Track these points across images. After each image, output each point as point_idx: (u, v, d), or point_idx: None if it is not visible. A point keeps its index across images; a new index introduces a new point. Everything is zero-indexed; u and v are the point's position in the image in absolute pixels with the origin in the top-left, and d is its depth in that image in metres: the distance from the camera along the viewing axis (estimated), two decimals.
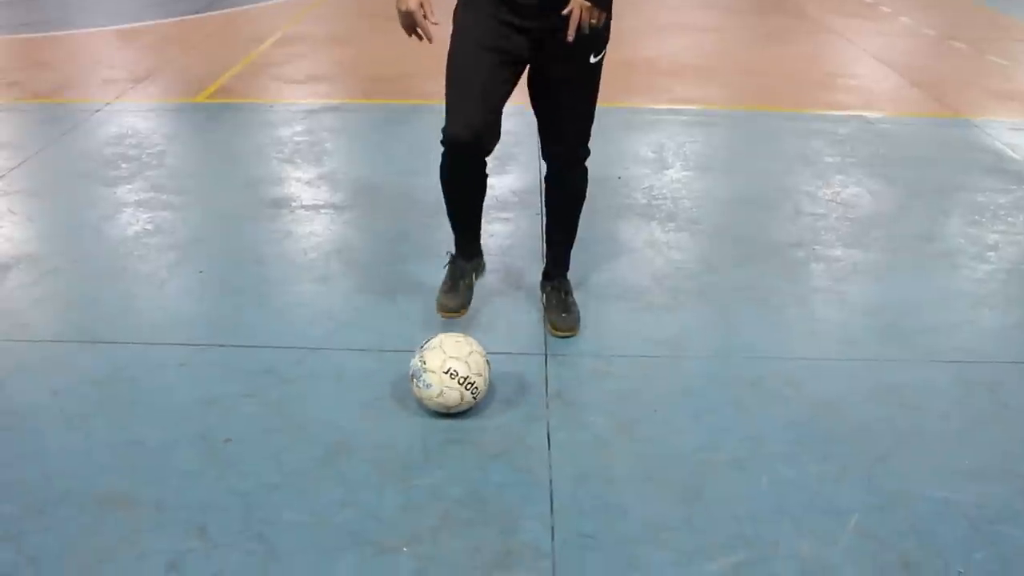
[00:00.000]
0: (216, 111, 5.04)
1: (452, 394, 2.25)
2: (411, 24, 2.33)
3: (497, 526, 1.96)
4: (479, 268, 2.89)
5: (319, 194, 3.83)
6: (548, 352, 2.63)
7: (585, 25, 2.21)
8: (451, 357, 2.26)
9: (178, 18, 7.55)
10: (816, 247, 3.38)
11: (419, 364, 2.28)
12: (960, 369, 2.61)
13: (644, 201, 3.78)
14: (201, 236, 3.41)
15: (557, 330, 2.71)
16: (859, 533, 1.97)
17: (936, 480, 2.14)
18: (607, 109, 5.19)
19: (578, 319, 2.74)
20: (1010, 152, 4.50)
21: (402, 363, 2.52)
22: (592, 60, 2.39)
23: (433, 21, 2.32)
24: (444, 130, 2.41)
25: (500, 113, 2.45)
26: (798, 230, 3.54)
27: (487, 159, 2.54)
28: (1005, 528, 1.99)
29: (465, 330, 2.42)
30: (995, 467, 2.19)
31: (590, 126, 2.54)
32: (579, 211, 2.72)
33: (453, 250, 2.80)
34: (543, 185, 2.73)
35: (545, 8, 2.26)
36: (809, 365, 2.61)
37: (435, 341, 2.32)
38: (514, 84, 2.44)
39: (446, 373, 2.24)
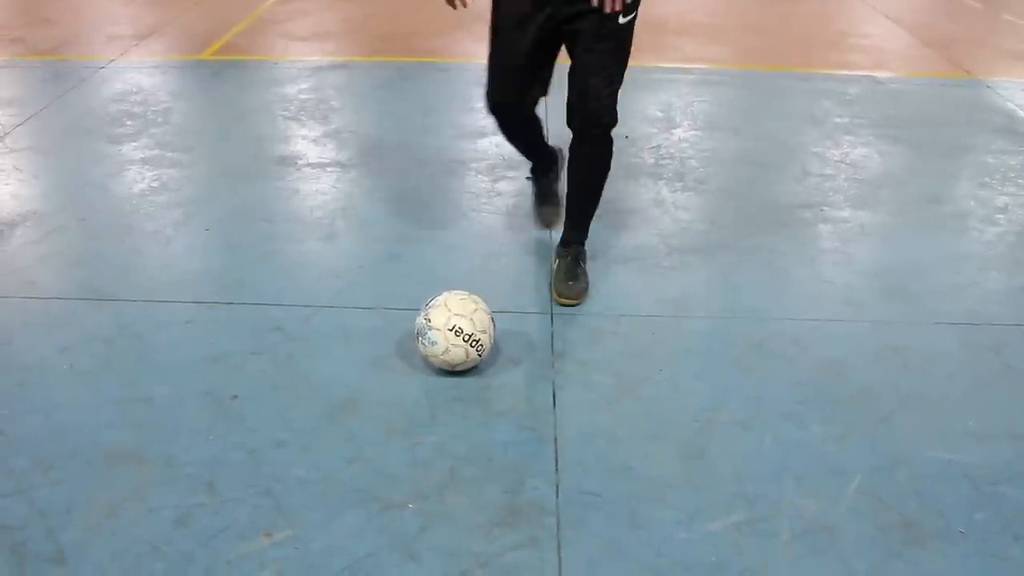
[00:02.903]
0: (221, 68, 5.00)
1: (457, 352, 2.25)
2: None
3: (502, 483, 1.98)
4: (561, 168, 3.09)
5: (325, 152, 3.82)
6: (554, 311, 2.63)
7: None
8: (456, 314, 2.26)
9: None
10: (824, 208, 3.36)
11: (424, 322, 2.29)
12: (966, 331, 2.61)
13: (651, 161, 3.76)
14: (207, 194, 3.41)
15: (560, 296, 2.66)
16: (861, 493, 1.98)
17: (939, 441, 2.15)
18: None
19: (585, 288, 2.69)
20: (1022, 113, 4.45)
21: (408, 321, 2.52)
22: (621, 20, 2.37)
23: None
24: (485, 96, 2.64)
25: (543, 79, 2.60)
26: (806, 191, 3.52)
27: (537, 106, 2.74)
28: (1006, 489, 2.00)
29: (470, 288, 2.43)
30: (998, 429, 2.20)
31: (615, 91, 2.48)
32: (603, 182, 2.68)
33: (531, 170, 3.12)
34: (569, 154, 2.65)
35: None
36: (814, 326, 2.61)
37: (440, 299, 2.32)
38: (554, 53, 2.54)
39: (451, 330, 2.24)
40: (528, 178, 3.24)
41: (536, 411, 2.21)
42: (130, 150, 3.79)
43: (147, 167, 3.61)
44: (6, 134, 3.93)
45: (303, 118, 4.21)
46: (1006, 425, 2.21)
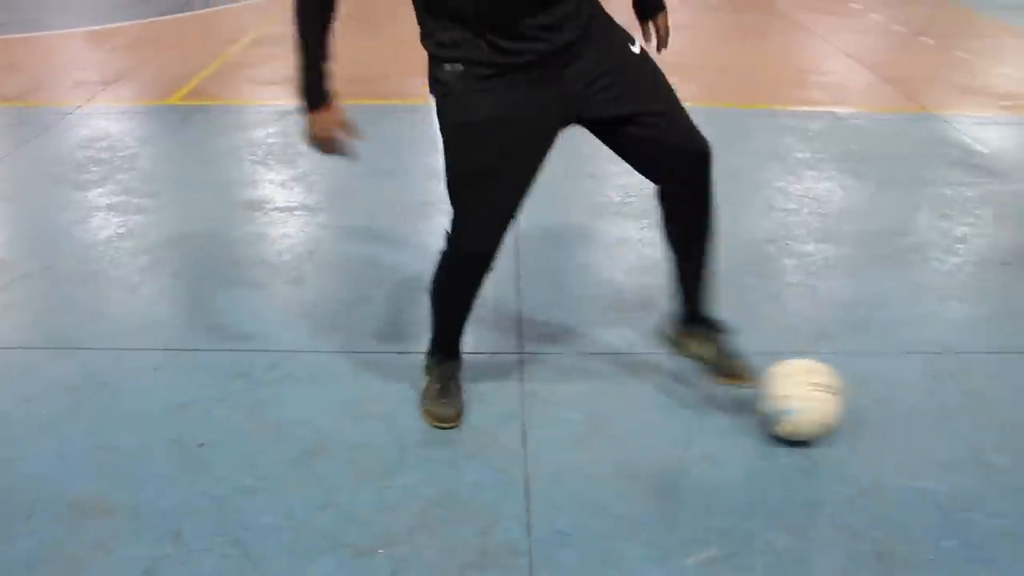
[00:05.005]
0: (189, 113, 5.00)
1: (827, 405, 2.19)
2: (331, 147, 2.04)
3: (473, 525, 1.97)
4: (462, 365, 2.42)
5: (293, 196, 3.82)
6: (523, 351, 2.64)
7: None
8: (807, 374, 2.22)
9: (150, 19, 7.49)
10: (788, 242, 3.41)
11: (781, 402, 2.20)
12: (931, 361, 2.64)
13: (618, 199, 3.79)
14: (174, 239, 3.39)
15: (732, 378, 2.35)
16: (832, 524, 1.99)
17: (907, 471, 2.17)
18: None
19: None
20: (976, 146, 4.55)
21: (377, 364, 2.53)
22: (635, 50, 2.04)
23: (361, 138, 2.05)
24: (458, 243, 2.06)
25: None
26: (770, 226, 3.56)
27: None
28: (974, 516, 2.02)
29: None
30: (964, 457, 2.22)
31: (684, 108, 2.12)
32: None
33: (430, 350, 2.38)
34: (668, 218, 2.29)
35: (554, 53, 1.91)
36: (782, 359, 2.63)
37: (782, 379, 2.24)
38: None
39: (811, 386, 2.19)
40: (426, 357, 2.40)
41: (506, 451, 2.21)
42: (96, 196, 3.77)
43: (113, 213, 3.60)
44: None
45: (271, 162, 4.21)
46: (971, 453, 2.24)
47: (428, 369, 2.38)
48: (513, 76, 1.90)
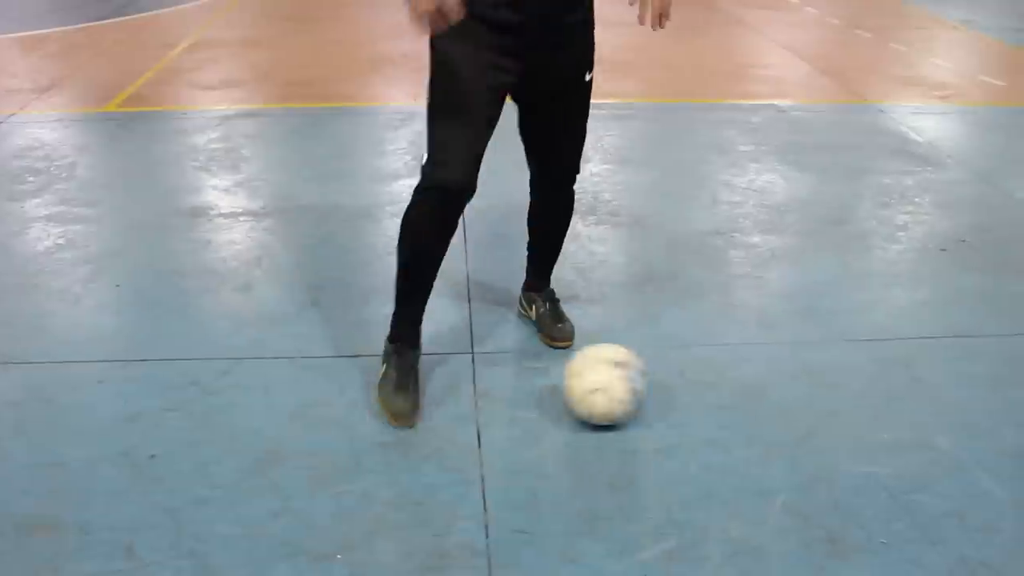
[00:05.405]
0: (128, 120, 4.91)
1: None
2: (440, 16, 1.94)
3: (431, 528, 1.96)
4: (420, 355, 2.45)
5: (237, 201, 3.77)
6: (475, 351, 2.64)
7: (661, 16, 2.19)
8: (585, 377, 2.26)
9: (85, 24, 7.32)
10: (734, 234, 3.46)
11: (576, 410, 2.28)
12: (875, 347, 2.70)
13: None
14: (116, 249, 3.32)
15: (555, 341, 2.66)
16: (786, 512, 2.02)
17: (856, 456, 2.21)
18: None
19: (573, 328, 2.70)
20: (913, 135, 4.66)
21: (328, 368, 2.51)
22: (586, 79, 2.34)
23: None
24: (431, 174, 2.16)
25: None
26: (716, 218, 3.61)
27: None
28: (921, 497, 2.07)
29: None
30: (910, 440, 2.27)
31: (583, 145, 2.47)
32: (568, 226, 2.67)
33: (391, 336, 2.41)
34: (531, 207, 2.60)
35: (545, 25, 2.18)
36: (731, 350, 2.67)
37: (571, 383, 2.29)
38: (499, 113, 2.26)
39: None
40: (386, 345, 2.42)
41: (461, 452, 2.20)
42: (33, 207, 3.68)
43: (52, 224, 3.51)
44: None
45: (213, 168, 4.15)
46: (917, 435, 2.29)
47: (387, 356, 2.39)
48: (498, 35, 2.13)
